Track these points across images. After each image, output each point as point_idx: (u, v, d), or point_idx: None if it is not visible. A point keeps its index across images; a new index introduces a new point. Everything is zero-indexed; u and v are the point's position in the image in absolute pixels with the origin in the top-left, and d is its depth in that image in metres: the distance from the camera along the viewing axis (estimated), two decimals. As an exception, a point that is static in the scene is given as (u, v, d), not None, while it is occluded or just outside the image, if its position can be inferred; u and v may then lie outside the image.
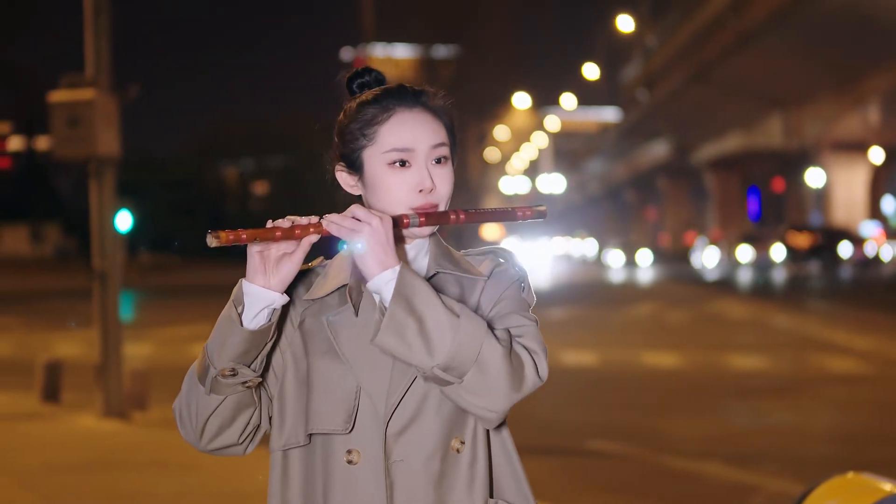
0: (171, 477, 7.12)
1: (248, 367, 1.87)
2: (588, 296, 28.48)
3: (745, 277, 36.57)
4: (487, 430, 1.93)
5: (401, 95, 1.94)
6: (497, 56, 48.21)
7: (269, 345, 1.89)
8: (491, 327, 1.84)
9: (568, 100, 70.59)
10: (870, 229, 43.16)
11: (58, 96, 9.63)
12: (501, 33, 48.60)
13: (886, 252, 40.00)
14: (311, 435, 1.91)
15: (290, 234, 1.82)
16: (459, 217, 1.90)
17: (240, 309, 1.85)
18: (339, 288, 1.94)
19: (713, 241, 50.12)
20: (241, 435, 1.94)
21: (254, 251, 1.86)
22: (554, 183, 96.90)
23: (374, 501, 1.88)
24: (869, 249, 40.10)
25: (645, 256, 50.71)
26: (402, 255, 1.94)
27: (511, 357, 1.81)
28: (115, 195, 9.76)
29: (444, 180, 1.93)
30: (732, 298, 26.16)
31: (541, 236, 75.41)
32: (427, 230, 1.93)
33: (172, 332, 17.64)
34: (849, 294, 27.28)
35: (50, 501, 6.74)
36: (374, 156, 1.91)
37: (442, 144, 1.94)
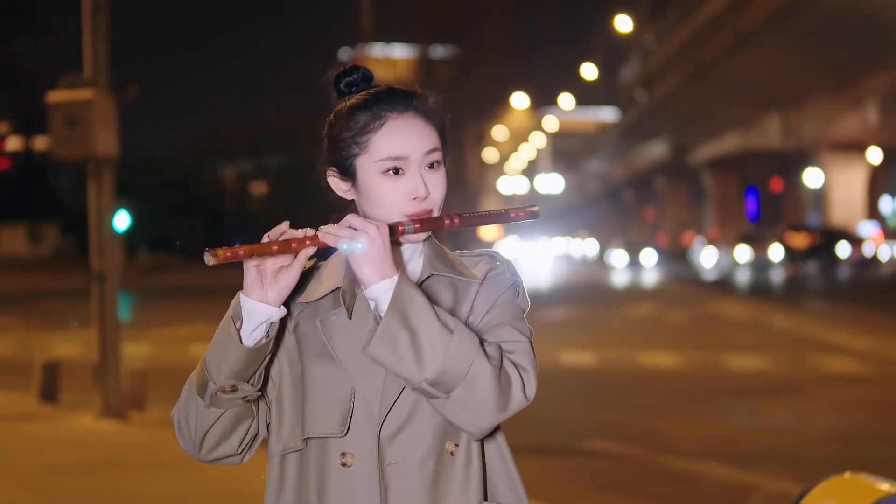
0: (169, 477, 7.12)
1: (247, 381, 1.88)
2: (588, 296, 28.48)
3: (743, 277, 36.58)
4: None
5: (391, 101, 1.92)
6: (495, 56, 48.18)
7: (268, 358, 1.89)
8: (483, 342, 1.84)
9: (566, 100, 70.65)
10: (868, 229, 43.18)
11: (56, 96, 9.63)
12: (500, 33, 48.56)
13: (884, 252, 40.02)
14: (307, 439, 1.91)
15: (286, 248, 1.82)
16: (454, 221, 1.90)
17: (238, 324, 1.86)
18: (332, 290, 1.94)
19: (711, 242, 50.13)
20: (239, 445, 1.95)
21: (250, 265, 1.85)
22: (552, 183, 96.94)
23: None
24: (867, 249, 40.12)
25: (649, 256, 50.49)
26: (397, 259, 1.93)
27: (500, 376, 1.81)
28: (113, 195, 9.76)
29: (437, 185, 1.92)
30: (731, 299, 26.17)
31: (540, 236, 75.45)
32: (422, 235, 1.93)
33: (171, 333, 17.63)
34: (847, 294, 27.29)
35: (48, 501, 6.74)
36: (367, 164, 1.91)
37: (434, 150, 1.93)
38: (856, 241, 40.36)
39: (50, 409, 10.11)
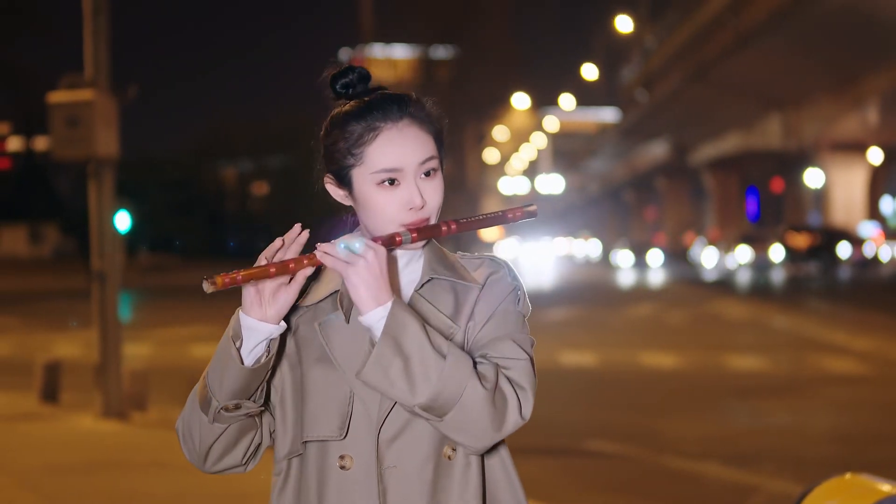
0: (170, 477, 7.12)
1: (250, 398, 1.89)
2: (589, 296, 28.48)
3: (743, 278, 36.57)
4: None
5: (386, 110, 1.90)
6: (496, 56, 48.16)
7: (269, 373, 1.91)
8: (480, 356, 1.85)
9: (567, 100, 70.67)
10: (868, 230, 43.16)
11: (57, 97, 9.63)
12: (500, 33, 48.53)
13: (885, 252, 40.01)
14: (305, 442, 1.92)
15: (284, 269, 1.83)
16: (451, 228, 1.90)
17: (238, 344, 1.86)
18: (332, 293, 1.94)
19: (712, 242, 50.12)
20: (243, 456, 1.97)
21: (248, 285, 1.86)
22: (553, 183, 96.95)
23: None
24: (868, 250, 40.10)
25: (656, 257, 50.21)
26: (393, 271, 1.93)
27: (495, 397, 1.81)
28: (114, 196, 9.76)
29: (433, 193, 1.92)
30: (731, 299, 26.17)
31: (542, 237, 75.42)
32: (420, 243, 1.93)
33: (172, 333, 17.64)
34: (848, 294, 27.29)
35: (49, 501, 6.74)
36: (363, 175, 1.90)
37: (430, 158, 1.92)
38: (856, 242, 40.35)
39: (51, 409, 10.11)
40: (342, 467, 1.89)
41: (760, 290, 30.30)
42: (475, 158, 64.11)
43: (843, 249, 39.63)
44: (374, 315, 1.80)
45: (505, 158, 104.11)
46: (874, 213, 48.51)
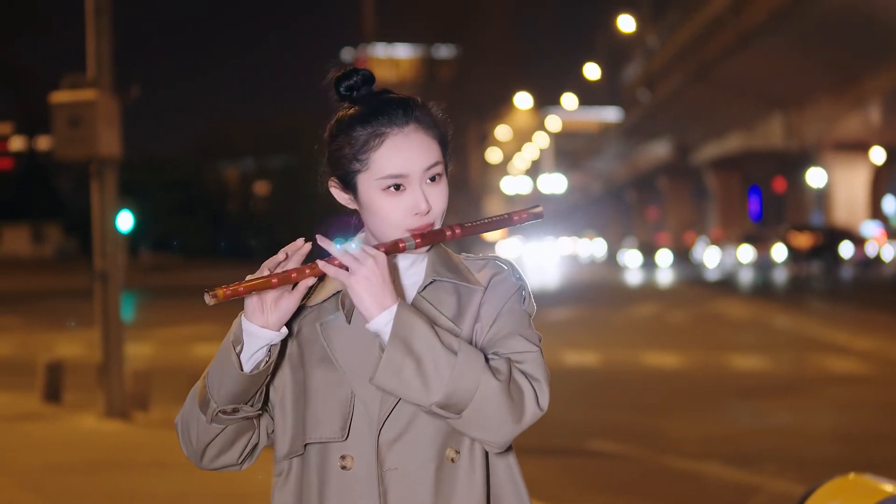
0: (172, 477, 7.12)
1: (248, 403, 1.90)
2: (591, 296, 28.48)
3: (746, 277, 36.56)
4: None
5: (391, 115, 1.90)
6: (498, 56, 48.22)
7: (268, 378, 1.92)
8: (491, 354, 1.85)
9: (569, 100, 70.63)
10: (871, 229, 43.14)
11: (59, 97, 9.63)
12: (502, 33, 48.60)
13: (887, 252, 39.98)
14: (307, 444, 1.92)
15: (286, 280, 1.84)
16: (455, 233, 1.91)
17: (238, 349, 1.87)
18: (333, 294, 1.95)
19: (714, 242, 50.09)
20: (240, 455, 1.99)
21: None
22: (555, 183, 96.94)
23: None
24: (870, 249, 40.08)
25: (665, 257, 49.84)
26: (395, 276, 1.93)
27: (510, 390, 1.81)
28: (116, 195, 9.77)
29: (438, 198, 1.92)
30: (733, 299, 26.16)
31: (546, 237, 75.38)
32: (424, 248, 1.93)
33: (174, 333, 17.64)
34: (850, 294, 27.28)
35: (51, 501, 6.75)
36: (368, 181, 1.90)
37: (435, 164, 1.92)
38: (859, 241, 40.33)
39: (53, 409, 10.12)
40: (343, 467, 1.89)
41: (762, 289, 30.29)
42: (478, 158, 64.13)
43: (846, 249, 39.62)
44: (381, 320, 1.80)
45: (507, 158, 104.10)
46: (876, 213, 48.48)
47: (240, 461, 1.99)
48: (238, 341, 1.87)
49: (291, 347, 1.95)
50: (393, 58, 53.64)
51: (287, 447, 1.93)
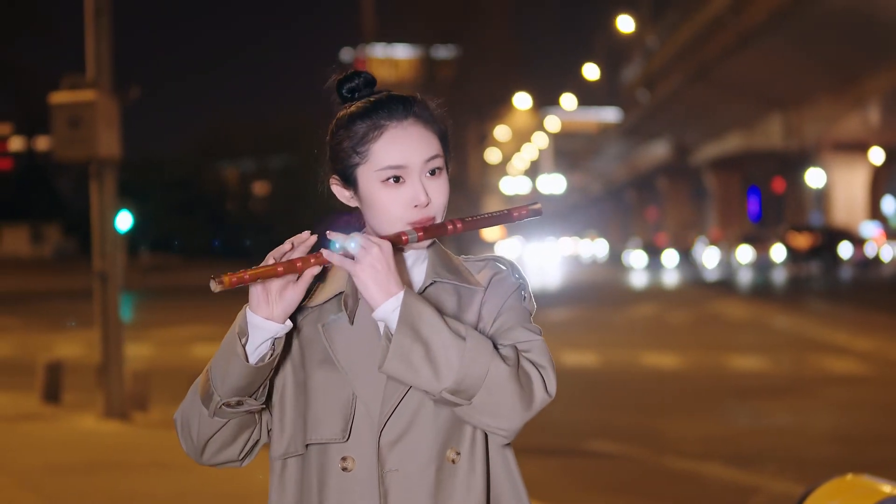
0: (171, 478, 7.13)
1: (252, 396, 1.89)
2: (591, 296, 28.48)
3: (745, 278, 36.57)
4: (486, 442, 1.93)
5: (391, 109, 1.91)
6: (496, 56, 48.20)
7: (272, 372, 1.91)
8: (497, 345, 1.84)
9: (568, 100, 70.66)
10: (870, 230, 43.17)
11: (59, 98, 9.64)
12: (501, 33, 48.58)
13: (886, 252, 40.00)
14: (308, 445, 1.92)
15: (292, 268, 1.83)
16: (457, 227, 1.90)
17: (244, 340, 1.86)
18: (336, 295, 1.95)
19: (713, 242, 50.09)
20: (240, 451, 1.97)
21: (255, 283, 1.86)
22: (554, 183, 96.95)
23: None
24: (869, 250, 40.10)
25: (671, 257, 49.53)
26: (401, 269, 1.94)
27: (519, 375, 1.81)
28: (115, 196, 9.77)
29: (439, 192, 1.92)
30: (733, 299, 26.17)
31: (546, 237, 75.36)
32: (426, 243, 1.93)
33: (173, 333, 17.64)
34: (849, 295, 27.28)
35: (51, 501, 6.75)
36: (368, 173, 1.91)
37: (435, 156, 1.92)
38: (858, 242, 40.35)
39: (53, 409, 10.12)
40: (344, 468, 1.89)
41: (762, 290, 30.30)
42: (477, 158, 64.11)
43: (845, 249, 39.63)
44: (387, 307, 1.80)
45: (507, 158, 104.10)
46: (875, 213, 48.52)
47: (241, 457, 1.98)
48: (243, 333, 1.86)
49: (293, 347, 1.95)
50: (392, 58, 53.67)
51: (284, 447, 1.93)
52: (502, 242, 64.23)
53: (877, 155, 47.18)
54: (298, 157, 51.96)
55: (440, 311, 1.83)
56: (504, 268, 1.98)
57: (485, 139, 69.19)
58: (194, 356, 14.13)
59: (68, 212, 54.91)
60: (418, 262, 1.97)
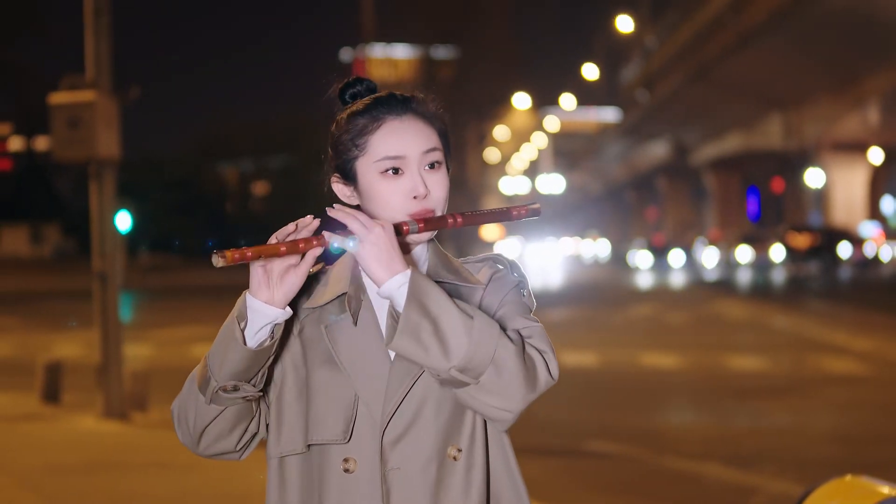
0: (171, 478, 7.13)
1: (249, 382, 1.88)
2: (590, 296, 28.48)
3: (744, 278, 36.56)
4: (486, 438, 1.93)
5: (390, 104, 1.94)
6: (496, 56, 48.20)
7: (271, 359, 1.89)
8: (502, 328, 1.85)
9: (568, 100, 70.64)
10: (869, 230, 43.17)
11: (58, 98, 9.64)
12: (500, 33, 48.58)
13: (886, 252, 40.01)
14: (310, 445, 1.92)
15: (294, 249, 1.83)
16: (457, 221, 1.91)
17: (243, 325, 1.85)
18: (338, 296, 1.95)
19: (712, 242, 50.07)
20: (238, 443, 1.96)
21: (257, 265, 1.85)
22: (554, 183, 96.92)
23: None
24: (868, 250, 40.10)
25: (677, 257, 49.14)
26: (408, 259, 1.94)
27: (524, 357, 1.82)
28: (115, 196, 9.77)
29: (438, 185, 1.93)
30: (732, 299, 26.17)
31: (547, 237, 75.29)
32: (426, 235, 1.94)
33: (173, 333, 17.64)
34: (848, 295, 27.28)
35: (50, 502, 6.75)
36: (367, 165, 1.92)
37: (434, 149, 1.94)
38: (857, 242, 40.35)
39: (52, 409, 10.12)
40: (346, 470, 1.89)
41: (761, 290, 30.30)
42: (476, 158, 64.10)
43: (844, 249, 39.63)
44: (393, 283, 1.80)
45: (506, 158, 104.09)
46: (875, 213, 48.53)
47: (238, 449, 1.97)
48: (242, 318, 1.86)
49: (294, 346, 1.95)
50: (391, 58, 53.66)
51: (282, 445, 1.93)
52: (501, 242, 64.22)
53: (876, 155, 47.19)
54: (298, 157, 52.00)
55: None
56: (503, 266, 1.99)
57: (484, 139, 69.17)
58: (194, 356, 14.14)
59: (68, 212, 54.96)
60: (419, 264, 1.97)
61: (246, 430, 1.95)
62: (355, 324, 1.92)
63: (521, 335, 1.86)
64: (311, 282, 1.98)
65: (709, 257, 47.43)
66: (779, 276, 36.53)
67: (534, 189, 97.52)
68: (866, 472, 2.85)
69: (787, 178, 55.23)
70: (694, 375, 12.55)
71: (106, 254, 9.65)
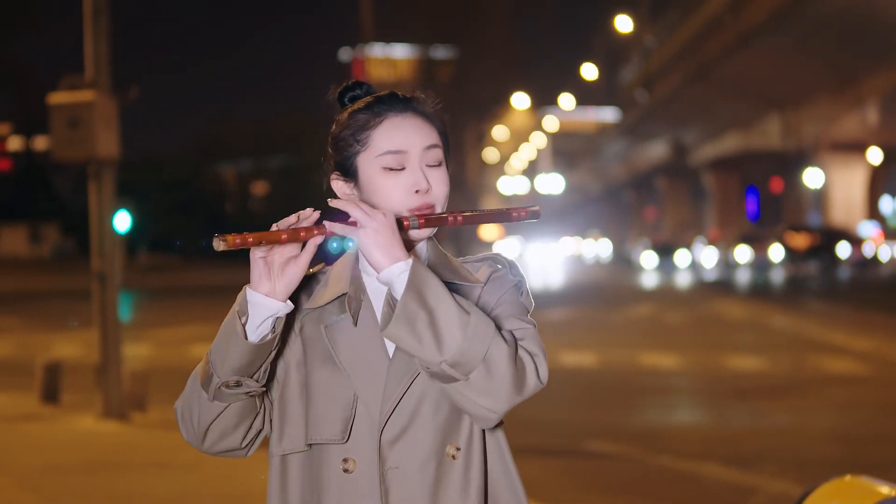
0: (170, 478, 7.13)
1: (252, 377, 1.87)
2: (591, 297, 28.49)
3: (743, 278, 36.57)
4: (483, 436, 1.93)
5: (391, 102, 1.95)
6: (496, 56, 48.17)
7: (273, 354, 1.89)
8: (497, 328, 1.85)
9: (567, 100, 70.64)
10: (868, 230, 43.19)
11: (58, 98, 9.64)
12: (500, 33, 48.55)
13: (885, 252, 40.02)
14: (310, 444, 1.92)
15: (295, 236, 1.82)
16: (457, 219, 1.91)
17: (244, 319, 1.85)
18: (339, 296, 1.95)
19: (712, 242, 50.07)
20: (243, 440, 1.96)
21: (257, 257, 1.85)
22: (553, 183, 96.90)
23: None
24: (867, 250, 40.12)
25: (683, 257, 48.51)
26: (413, 253, 1.94)
27: (516, 359, 1.82)
28: (114, 196, 9.77)
29: (439, 182, 1.94)
30: (731, 299, 26.17)
31: (546, 237, 75.25)
32: (426, 232, 1.94)
33: (172, 333, 17.64)
34: (847, 295, 27.29)
35: (49, 502, 6.75)
36: (368, 160, 1.92)
37: (435, 146, 1.95)
38: (856, 242, 40.37)
39: (51, 409, 10.12)
40: (345, 470, 1.89)
41: (760, 290, 30.31)
42: (475, 158, 64.08)
43: (843, 249, 39.65)
44: (394, 270, 1.79)
45: (505, 158, 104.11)
46: (874, 213, 48.55)
47: (244, 446, 1.96)
48: (243, 312, 1.85)
49: (295, 345, 1.95)
50: (391, 58, 53.66)
51: (284, 444, 1.93)
52: (500, 242, 64.21)
53: (875, 155, 47.20)
54: (297, 157, 51.99)
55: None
56: (502, 266, 1.99)
57: (483, 139, 69.20)
58: (193, 356, 14.13)
59: (67, 212, 54.93)
60: (418, 261, 1.98)
61: (251, 427, 1.95)
62: (355, 324, 1.92)
63: (514, 336, 1.86)
64: (311, 282, 1.98)
65: (708, 257, 47.43)
66: (778, 276, 36.53)
67: (533, 189, 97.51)
68: (866, 472, 2.85)
69: (786, 178, 55.24)
70: (693, 375, 12.56)
71: (105, 254, 9.65)
